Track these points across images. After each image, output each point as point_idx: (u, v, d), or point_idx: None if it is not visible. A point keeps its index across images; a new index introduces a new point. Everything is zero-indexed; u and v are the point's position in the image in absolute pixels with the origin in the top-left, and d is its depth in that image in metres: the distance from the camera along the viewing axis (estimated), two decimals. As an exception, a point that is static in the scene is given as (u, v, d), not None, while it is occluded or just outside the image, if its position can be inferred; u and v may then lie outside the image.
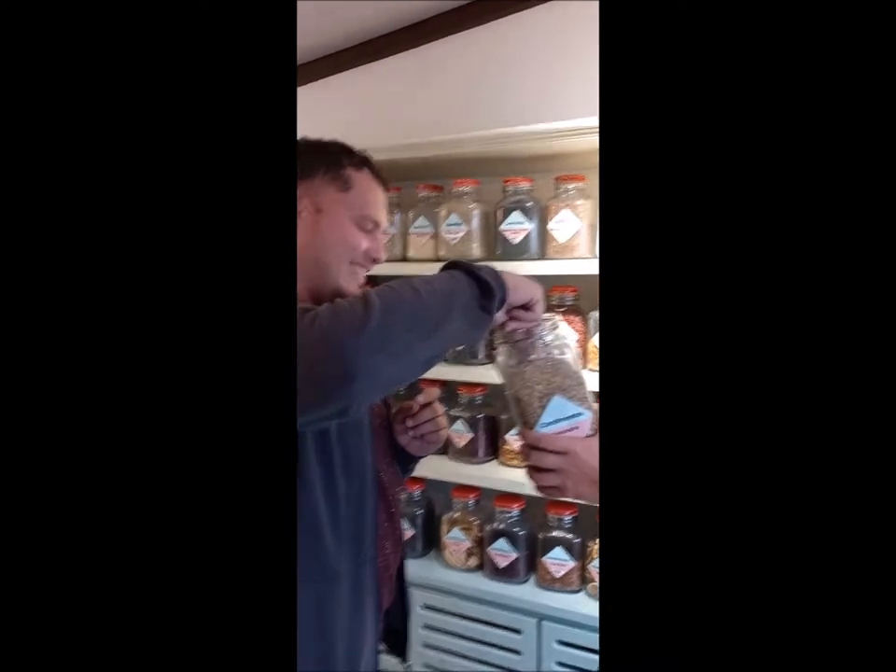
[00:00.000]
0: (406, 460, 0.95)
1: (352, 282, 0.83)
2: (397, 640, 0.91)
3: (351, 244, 0.82)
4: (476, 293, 0.67)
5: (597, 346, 1.30)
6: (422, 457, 0.96)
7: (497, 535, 1.38)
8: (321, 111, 1.76)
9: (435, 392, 0.94)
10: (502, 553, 1.38)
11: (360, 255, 0.83)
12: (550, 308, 1.21)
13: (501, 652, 1.35)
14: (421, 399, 0.90)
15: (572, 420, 0.75)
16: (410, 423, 0.90)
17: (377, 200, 0.86)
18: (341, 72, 1.72)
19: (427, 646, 1.43)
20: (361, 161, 0.86)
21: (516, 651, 1.33)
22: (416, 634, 1.43)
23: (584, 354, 1.31)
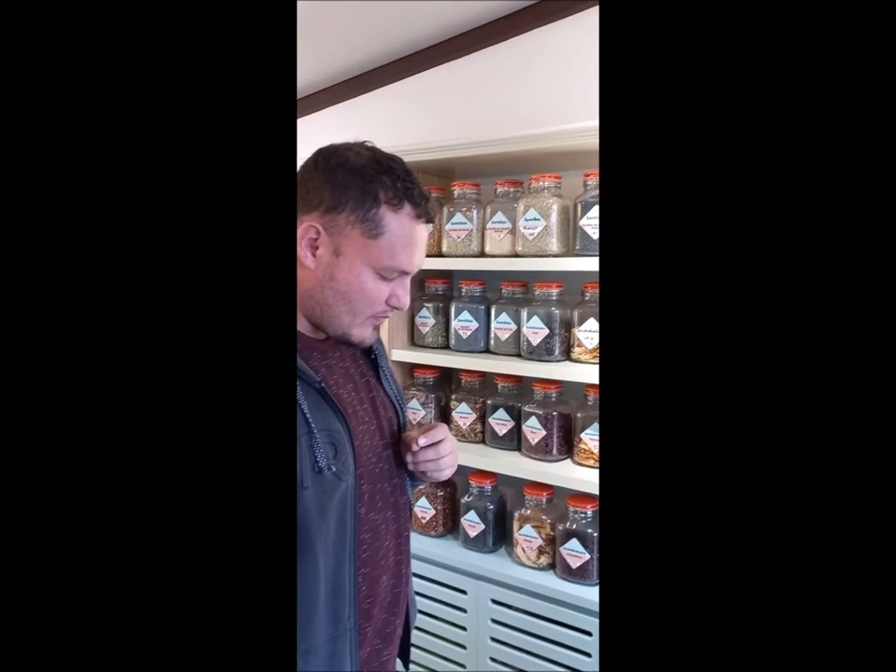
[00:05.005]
0: (413, 476, 0.88)
1: (366, 330, 0.76)
2: (402, 647, 0.88)
3: (370, 298, 0.73)
4: None
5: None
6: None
7: (569, 535, 1.37)
8: (403, 110, 1.79)
9: (439, 433, 0.81)
10: (574, 553, 1.36)
11: (380, 307, 0.74)
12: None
13: (570, 653, 1.33)
14: (423, 441, 0.79)
15: None
16: (409, 458, 0.82)
17: (412, 242, 0.73)
18: (427, 69, 1.74)
19: (494, 640, 1.43)
20: (403, 192, 0.71)
21: (587, 654, 1.31)
22: (484, 627, 1.44)
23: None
